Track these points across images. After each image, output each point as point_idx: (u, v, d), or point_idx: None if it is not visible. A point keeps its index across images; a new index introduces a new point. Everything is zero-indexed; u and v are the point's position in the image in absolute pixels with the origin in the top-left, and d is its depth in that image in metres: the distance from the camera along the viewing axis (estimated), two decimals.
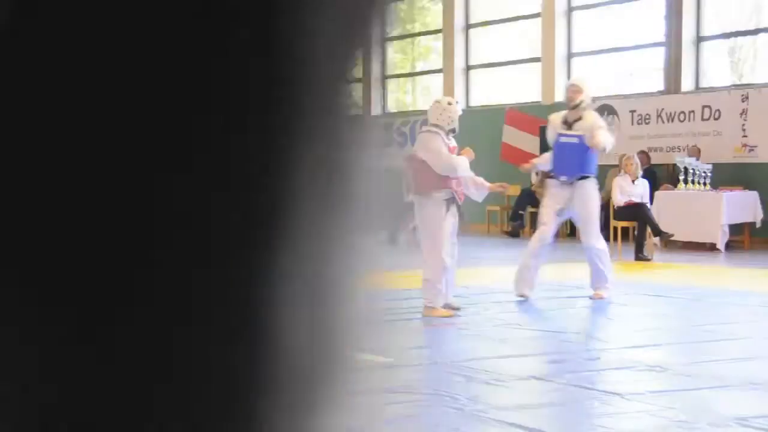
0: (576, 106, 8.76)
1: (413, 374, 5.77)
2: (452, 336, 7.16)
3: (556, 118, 9.00)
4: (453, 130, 8.32)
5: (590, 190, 8.88)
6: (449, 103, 8.37)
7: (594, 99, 8.99)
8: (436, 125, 8.26)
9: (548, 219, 8.92)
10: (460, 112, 8.39)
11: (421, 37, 23.23)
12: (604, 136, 8.74)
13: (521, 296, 8.82)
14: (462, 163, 8.24)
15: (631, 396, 5.18)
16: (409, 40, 23.41)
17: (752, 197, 14.57)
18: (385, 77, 22.90)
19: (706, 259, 13.28)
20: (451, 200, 8.28)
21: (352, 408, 0.73)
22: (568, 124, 8.84)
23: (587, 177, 8.89)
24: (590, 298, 8.81)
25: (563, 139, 8.82)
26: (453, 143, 8.31)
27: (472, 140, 19.87)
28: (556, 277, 10.36)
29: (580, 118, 8.77)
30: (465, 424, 4.69)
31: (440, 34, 21.30)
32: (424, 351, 6.51)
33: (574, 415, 4.91)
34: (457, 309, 8.32)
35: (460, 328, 7.47)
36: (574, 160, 8.76)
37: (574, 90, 8.81)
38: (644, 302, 8.91)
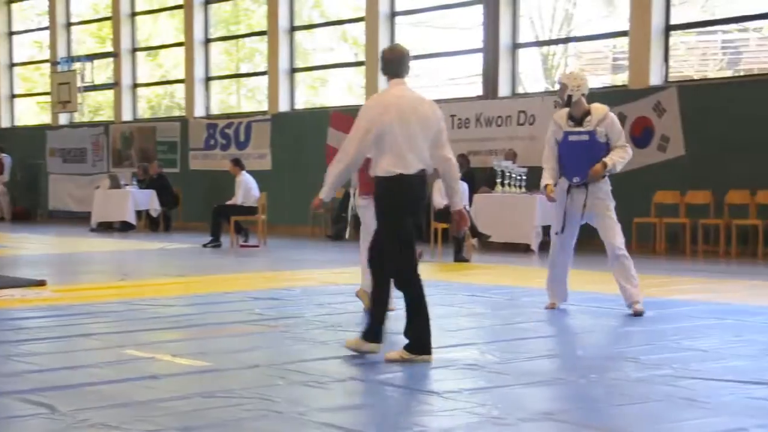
0: (569, 103, 8.20)
1: (233, 378, 5.75)
2: (273, 339, 7.16)
3: (560, 117, 8.36)
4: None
5: (606, 191, 8.25)
6: None
7: (584, 89, 8.19)
8: None
9: (567, 224, 8.32)
10: None
11: (246, 39, 23.09)
12: (618, 156, 8.11)
13: (550, 306, 8.48)
14: None
15: (447, 394, 5.32)
16: (233, 41, 23.23)
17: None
18: (208, 78, 22.65)
19: (520, 259, 13.72)
20: None
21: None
22: (575, 120, 8.24)
23: (602, 176, 8.23)
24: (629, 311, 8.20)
25: (572, 138, 8.20)
26: None
27: (298, 143, 19.98)
28: None
29: (588, 113, 8.21)
30: (285, 426, 4.71)
31: (265, 36, 21.23)
32: (244, 354, 6.48)
33: (393, 414, 5.00)
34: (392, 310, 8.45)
35: (282, 331, 7.47)
36: (586, 160, 8.12)
37: (560, 88, 8.29)
38: (461, 302, 9.13)
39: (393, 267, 6.27)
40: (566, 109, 8.25)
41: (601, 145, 8.13)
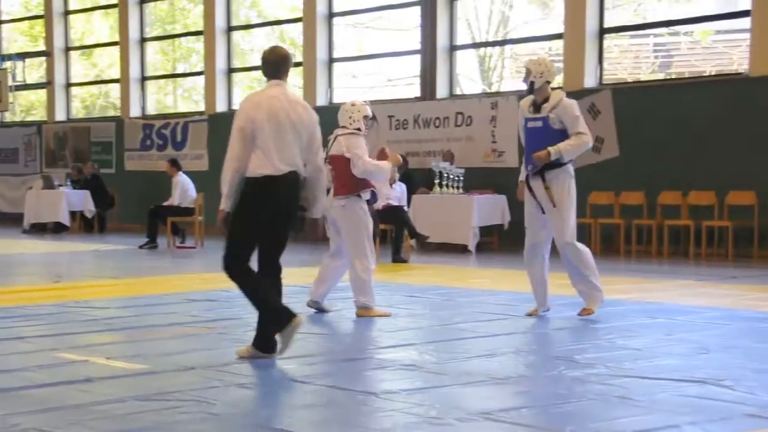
0: (531, 89, 7.95)
1: (169, 381, 5.70)
2: (210, 341, 7.12)
3: (525, 103, 8.08)
4: (358, 129, 8.42)
5: (562, 180, 7.89)
6: (352, 104, 8.54)
7: (548, 76, 7.94)
8: (349, 127, 8.43)
9: (528, 221, 8.10)
10: (366, 112, 8.45)
11: (182, 39, 22.92)
12: (567, 143, 7.78)
13: (531, 312, 8.19)
14: (386, 169, 8.42)
15: (385, 395, 5.34)
16: (169, 41, 23.04)
17: (501, 200, 15.27)
18: (144, 78, 22.43)
19: (458, 260, 13.80)
20: (371, 200, 8.49)
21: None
22: (536, 106, 7.97)
23: (555, 166, 7.85)
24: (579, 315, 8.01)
25: (530, 124, 7.95)
26: None
27: None
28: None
29: (546, 99, 7.93)
30: (222, 429, 4.68)
31: (201, 36, 21.09)
32: (180, 357, 6.43)
33: (332, 415, 5.00)
34: (329, 311, 8.50)
35: (220, 333, 7.43)
36: (539, 147, 7.80)
37: (525, 74, 8.01)
38: (400, 303, 9.16)
39: (226, 260, 6.24)
40: (531, 96, 8.02)
41: (555, 131, 7.82)
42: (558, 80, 16.53)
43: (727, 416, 4.77)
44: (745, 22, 14.14)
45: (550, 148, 7.76)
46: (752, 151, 13.60)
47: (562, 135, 7.82)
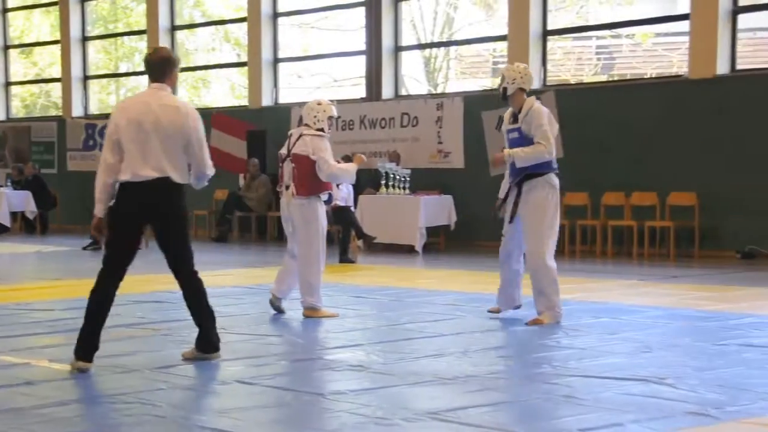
0: (505, 96, 7.81)
1: (114, 383, 5.65)
2: (155, 342, 7.07)
3: (507, 114, 7.96)
4: (321, 129, 8.37)
5: (540, 190, 7.73)
6: (318, 103, 8.48)
7: (521, 83, 7.77)
8: (312, 126, 8.37)
9: (504, 229, 7.96)
10: (332, 112, 8.39)
11: (125, 38, 22.70)
12: (523, 150, 7.64)
13: (493, 310, 8.20)
14: (351, 172, 8.39)
15: (333, 395, 5.34)
16: (111, 40, 22.81)
17: (447, 201, 15.35)
18: (86, 77, 22.18)
19: (405, 260, 13.84)
20: (327, 201, 8.48)
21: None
22: (515, 116, 7.83)
23: (535, 175, 7.73)
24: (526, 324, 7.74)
25: (510, 135, 7.82)
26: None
27: None
28: (265, 282, 10.45)
29: (521, 109, 7.76)
30: (167, 431, 4.65)
31: (144, 35, 20.90)
32: (125, 359, 6.38)
33: (279, 416, 4.99)
34: (282, 312, 8.47)
35: (164, 335, 7.38)
36: None
37: (500, 80, 7.90)
38: (347, 303, 9.16)
39: (102, 261, 6.20)
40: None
41: (527, 143, 7.67)
42: None
43: (669, 414, 4.84)
44: (684, 26, 14.36)
45: (505, 150, 7.76)
46: (693, 152, 13.81)
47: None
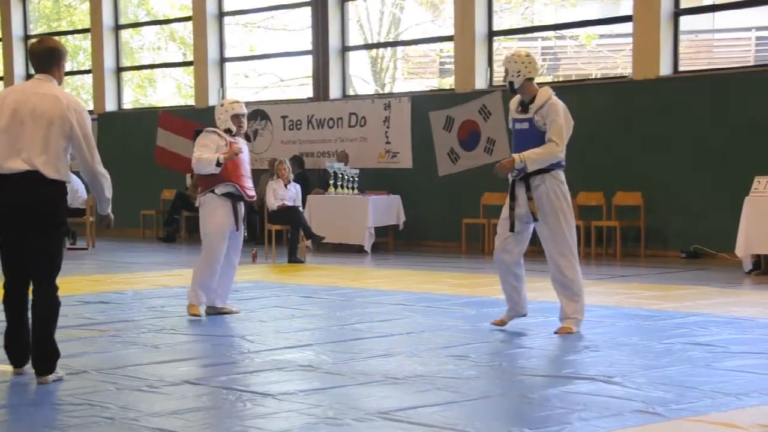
0: (513, 89, 7.32)
1: (61, 385, 5.59)
2: (103, 344, 7.01)
3: (513, 102, 7.42)
4: (228, 131, 8.29)
5: (550, 187, 7.25)
6: (221, 104, 8.43)
7: (527, 73, 7.26)
8: (220, 128, 8.34)
9: (501, 230, 7.51)
10: (236, 110, 8.25)
11: (69, 36, 22.43)
12: (534, 152, 7.13)
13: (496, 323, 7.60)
14: (206, 161, 8.17)
15: (282, 396, 5.34)
16: (55, 38, 22.51)
17: (395, 201, 15.37)
18: (29, 76, 21.89)
19: (354, 260, 13.84)
20: (237, 198, 8.30)
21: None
22: (524, 105, 7.30)
23: (544, 170, 7.25)
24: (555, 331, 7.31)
25: (517, 125, 7.32)
26: (240, 142, 8.34)
27: (126, 142, 19.54)
28: None
29: (534, 98, 7.25)
30: None
31: (88, 34, 20.67)
32: (72, 360, 6.31)
33: (228, 417, 4.97)
34: (237, 312, 8.42)
35: (112, 336, 7.32)
36: (527, 149, 7.19)
37: (503, 74, 7.38)
38: (296, 304, 9.15)
39: None
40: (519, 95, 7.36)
41: (539, 134, 7.20)
42: (449, 82, 16.73)
43: (617, 412, 4.90)
44: (628, 27, 14.53)
45: (515, 155, 7.19)
46: (638, 152, 13.98)
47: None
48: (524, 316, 7.64)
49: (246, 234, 8.62)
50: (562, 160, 7.34)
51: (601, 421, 4.72)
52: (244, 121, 8.43)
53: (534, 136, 7.21)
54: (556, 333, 7.22)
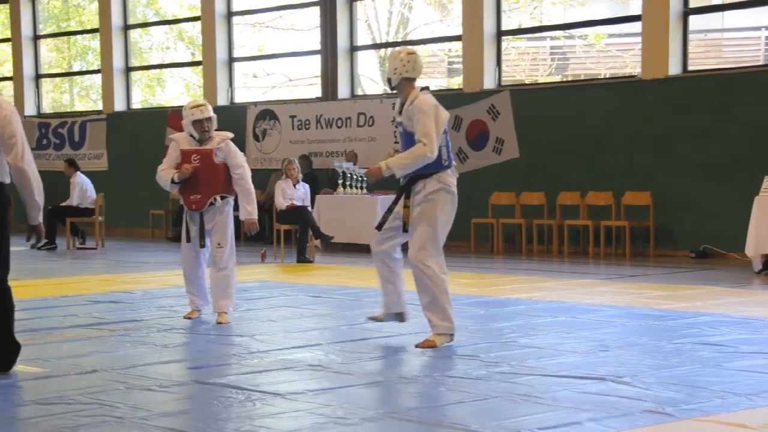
0: (392, 88, 6.92)
1: (71, 384, 5.60)
2: (112, 343, 7.01)
3: (397, 103, 7.00)
4: (192, 136, 8.08)
5: (431, 191, 6.77)
6: (185, 109, 8.11)
7: (404, 72, 6.80)
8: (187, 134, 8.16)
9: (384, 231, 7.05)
10: (194, 116, 7.95)
11: (78, 36, 22.47)
12: (400, 158, 6.75)
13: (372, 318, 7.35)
14: (164, 179, 8.11)
15: (291, 395, 5.34)
16: (64, 38, 22.56)
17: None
18: (39, 76, 21.93)
19: (363, 260, 13.83)
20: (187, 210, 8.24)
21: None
22: (402, 107, 6.86)
23: (423, 176, 6.78)
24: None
25: (400, 128, 6.92)
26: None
27: (135, 142, 19.57)
28: None
29: (406, 100, 6.81)
30: None
31: (97, 34, 20.70)
32: (82, 359, 6.32)
33: (236, 417, 4.97)
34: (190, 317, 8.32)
35: (121, 335, 7.33)
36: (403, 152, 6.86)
37: None
38: (305, 303, 9.15)
39: None
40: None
41: (411, 137, 6.74)
42: (458, 81, 16.72)
43: (627, 412, 4.89)
44: (637, 27, 14.50)
45: (381, 163, 6.84)
46: (647, 152, 13.95)
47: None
48: (402, 320, 7.14)
49: (201, 242, 8.13)
50: (444, 161, 6.79)
51: (611, 421, 4.71)
52: (209, 125, 8.03)
53: (408, 140, 6.77)
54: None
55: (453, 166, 6.94)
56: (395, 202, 7.00)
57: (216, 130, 8.18)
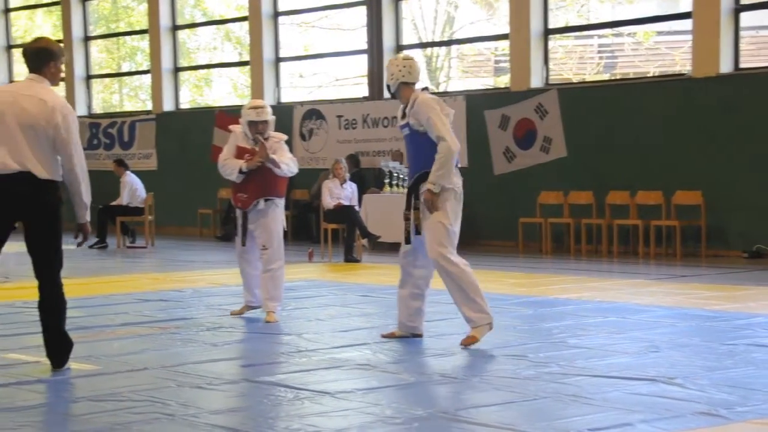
0: (392, 94, 7.10)
1: (122, 381, 5.65)
2: (163, 341, 7.07)
3: (400, 109, 7.11)
4: (246, 135, 8.16)
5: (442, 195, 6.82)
6: (247, 108, 8.19)
7: (400, 77, 6.93)
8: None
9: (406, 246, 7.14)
10: (250, 117, 8.05)
11: (127, 37, 22.69)
12: (437, 168, 6.74)
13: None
14: (230, 168, 8.12)
15: (340, 394, 5.34)
16: (113, 39, 22.80)
17: None
18: (89, 77, 22.18)
19: None
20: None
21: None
22: (403, 112, 6.98)
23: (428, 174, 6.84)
24: None
25: (403, 132, 7.06)
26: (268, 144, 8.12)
27: (183, 142, 19.72)
28: None
29: (407, 104, 6.94)
30: (176, 429, 4.66)
31: (146, 35, 20.89)
32: (133, 357, 6.38)
33: (285, 415, 4.99)
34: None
35: (171, 333, 7.38)
36: (412, 157, 7.04)
37: None
38: (353, 302, 9.16)
39: None
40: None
41: (419, 137, 6.84)
42: (504, 80, 16.64)
43: (678, 414, 4.83)
44: (687, 24, 14.34)
45: (429, 186, 6.76)
46: (697, 151, 13.79)
47: (430, 140, 6.79)
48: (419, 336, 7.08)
49: (243, 241, 8.17)
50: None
51: (662, 423, 4.66)
52: (263, 128, 8.10)
53: (415, 140, 6.88)
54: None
55: (457, 165, 6.97)
56: (408, 207, 7.03)
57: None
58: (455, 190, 6.89)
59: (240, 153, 8.12)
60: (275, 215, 8.16)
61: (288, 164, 8.15)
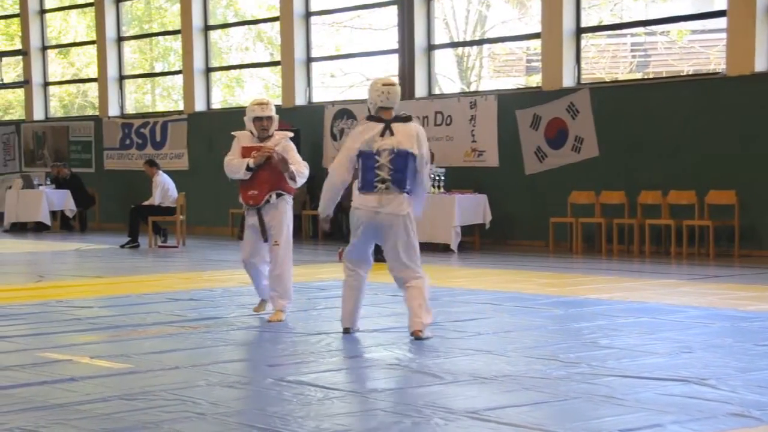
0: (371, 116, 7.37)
1: (154, 380, 5.68)
2: (193, 340, 7.10)
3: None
4: (251, 132, 8.21)
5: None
6: (251, 105, 8.27)
7: (380, 103, 7.24)
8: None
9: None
10: (254, 113, 8.11)
11: (160, 37, 22.83)
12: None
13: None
14: (236, 166, 8.15)
15: (368, 393, 5.35)
16: (146, 40, 22.94)
17: (482, 200, 15.29)
18: (122, 77, 22.33)
19: (440, 259, 13.81)
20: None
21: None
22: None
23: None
24: None
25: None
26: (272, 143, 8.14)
27: (215, 141, 19.79)
28: (302, 280, 10.44)
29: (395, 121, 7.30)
30: (207, 428, 4.67)
31: (179, 35, 21.01)
32: (164, 356, 6.41)
33: (315, 414, 4.99)
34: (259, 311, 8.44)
35: (202, 332, 7.42)
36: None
37: None
38: (382, 302, 9.16)
39: None
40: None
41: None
42: (536, 80, 16.58)
43: (711, 415, 4.79)
44: (722, 22, 14.22)
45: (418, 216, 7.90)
46: (731, 150, 13.68)
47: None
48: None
49: (264, 237, 8.19)
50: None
51: (694, 424, 4.62)
52: (268, 123, 8.13)
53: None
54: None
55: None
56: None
57: (279, 129, 8.29)
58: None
59: (245, 153, 8.17)
60: (285, 211, 8.21)
61: (302, 173, 8.15)
